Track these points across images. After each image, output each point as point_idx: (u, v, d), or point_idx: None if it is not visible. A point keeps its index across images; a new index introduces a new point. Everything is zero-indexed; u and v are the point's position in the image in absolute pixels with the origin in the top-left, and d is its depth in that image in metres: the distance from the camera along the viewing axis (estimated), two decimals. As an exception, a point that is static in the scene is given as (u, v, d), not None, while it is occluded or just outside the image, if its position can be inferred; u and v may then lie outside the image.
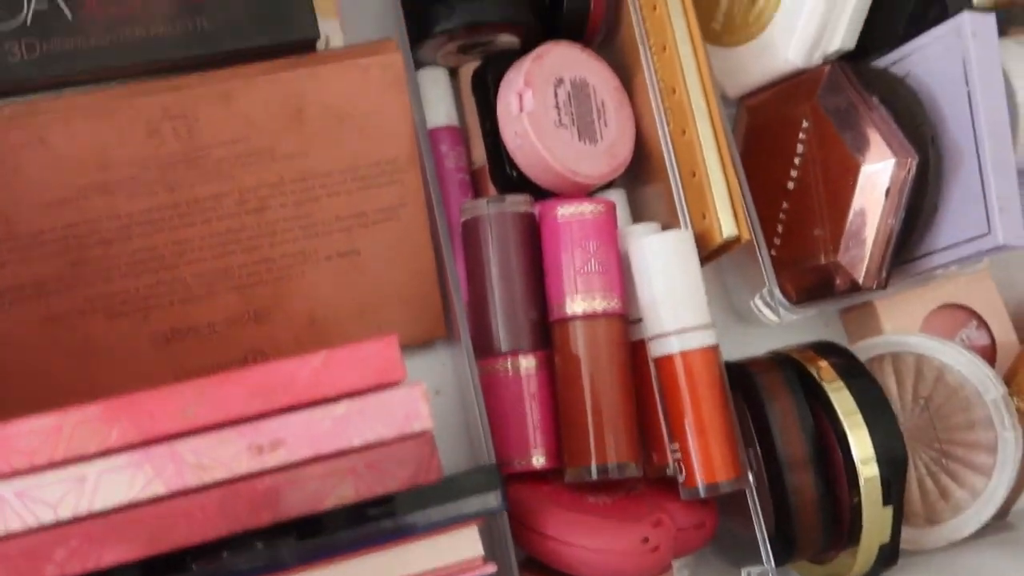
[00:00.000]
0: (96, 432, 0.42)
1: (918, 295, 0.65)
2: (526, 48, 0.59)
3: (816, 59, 0.60)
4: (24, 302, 0.53)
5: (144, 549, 0.41)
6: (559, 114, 0.57)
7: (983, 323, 0.66)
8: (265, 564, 0.43)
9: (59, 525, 0.41)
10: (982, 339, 0.66)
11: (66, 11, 0.54)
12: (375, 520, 0.45)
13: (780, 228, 0.61)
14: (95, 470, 0.41)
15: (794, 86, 0.61)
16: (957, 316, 0.66)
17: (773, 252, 0.61)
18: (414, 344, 0.60)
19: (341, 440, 0.44)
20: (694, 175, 0.57)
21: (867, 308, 0.65)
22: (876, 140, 0.57)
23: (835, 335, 0.68)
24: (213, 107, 0.54)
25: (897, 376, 0.62)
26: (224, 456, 0.42)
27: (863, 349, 0.63)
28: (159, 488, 0.41)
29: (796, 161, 0.60)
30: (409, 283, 0.59)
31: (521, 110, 0.56)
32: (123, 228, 0.54)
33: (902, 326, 0.64)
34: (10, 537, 0.40)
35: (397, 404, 0.45)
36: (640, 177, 0.61)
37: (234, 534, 0.42)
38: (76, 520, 0.41)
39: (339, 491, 0.43)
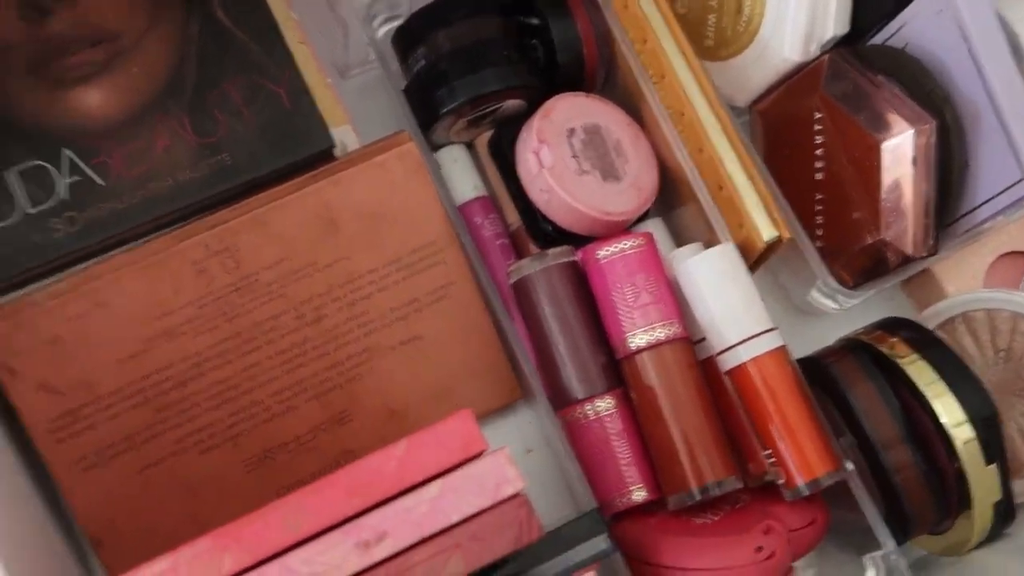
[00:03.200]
0: (210, 564, 0.43)
1: (973, 251, 0.65)
2: (533, 107, 0.60)
3: (814, 51, 0.61)
4: (120, 456, 0.56)
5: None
6: (578, 162, 0.58)
7: (1044, 263, 0.66)
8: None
9: (195, 658, 0.42)
10: (1047, 279, 0.66)
11: (97, 178, 0.57)
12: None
13: (820, 219, 0.62)
14: None
15: (799, 81, 0.62)
16: (1018, 263, 0.66)
17: (819, 243, 0.62)
18: (495, 411, 0.62)
19: (441, 519, 0.45)
20: (721, 188, 0.58)
21: (926, 275, 0.65)
22: (890, 115, 0.57)
23: (901, 308, 0.68)
24: (251, 234, 0.56)
25: (972, 335, 0.62)
26: (334, 558, 0.44)
27: (931, 316, 0.63)
28: None
29: (818, 152, 0.61)
30: (476, 355, 0.60)
31: (541, 167, 0.58)
32: (195, 366, 0.56)
33: (965, 285, 0.64)
34: None
35: (486, 473, 0.46)
36: (672, 202, 0.62)
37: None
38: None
39: (449, 568, 0.45)
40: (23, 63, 0.57)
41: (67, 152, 0.57)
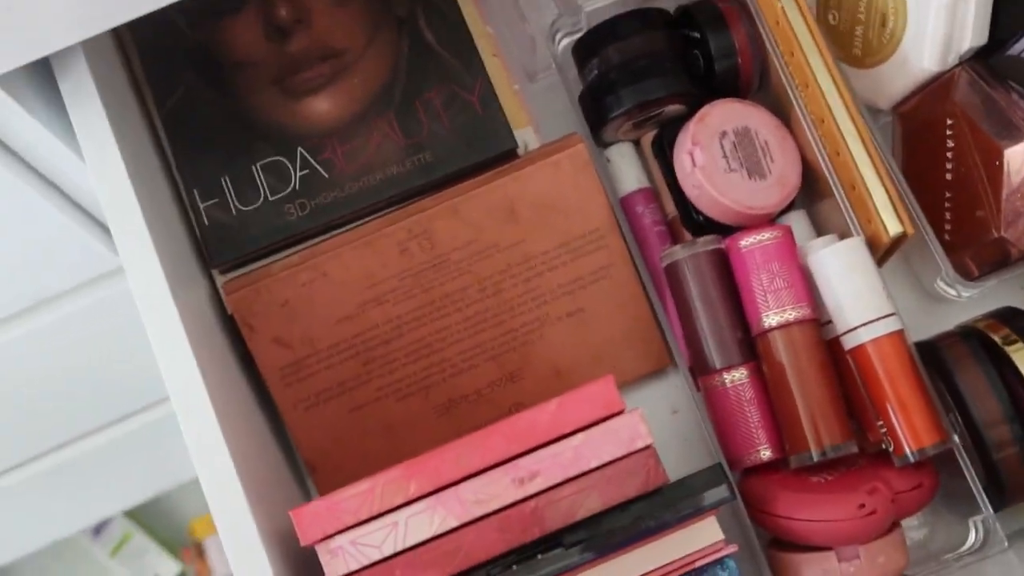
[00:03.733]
0: (400, 488, 0.55)
1: (1098, 247, 0.69)
2: (692, 111, 0.69)
3: (952, 60, 0.67)
4: (334, 400, 0.69)
5: (450, 568, 0.54)
6: (727, 162, 0.67)
7: None
8: (558, 568, 0.55)
9: (385, 560, 0.54)
10: None
11: (323, 172, 0.69)
12: (637, 522, 0.56)
13: (948, 215, 0.68)
14: (403, 516, 0.54)
15: (934, 89, 0.68)
16: None
17: (947, 237, 0.68)
18: (646, 375, 0.72)
19: (582, 463, 0.55)
20: (854, 188, 0.65)
21: (1052, 267, 0.71)
22: (1013, 124, 0.63)
23: (1034, 296, 0.73)
24: (445, 221, 0.68)
25: (1088, 325, 0.67)
26: (496, 490, 0.55)
27: (1053, 306, 0.69)
28: (452, 522, 0.54)
29: (949, 155, 0.67)
30: (631, 327, 0.70)
31: (694, 166, 0.66)
32: (396, 328, 0.68)
33: (1089, 277, 0.69)
34: (351, 574, 0.54)
35: (622, 429, 0.56)
36: (814, 197, 0.70)
37: (515, 549, 0.55)
38: (396, 555, 0.54)
39: (587, 504, 0.55)
40: (268, 77, 0.70)
41: (300, 150, 0.69)
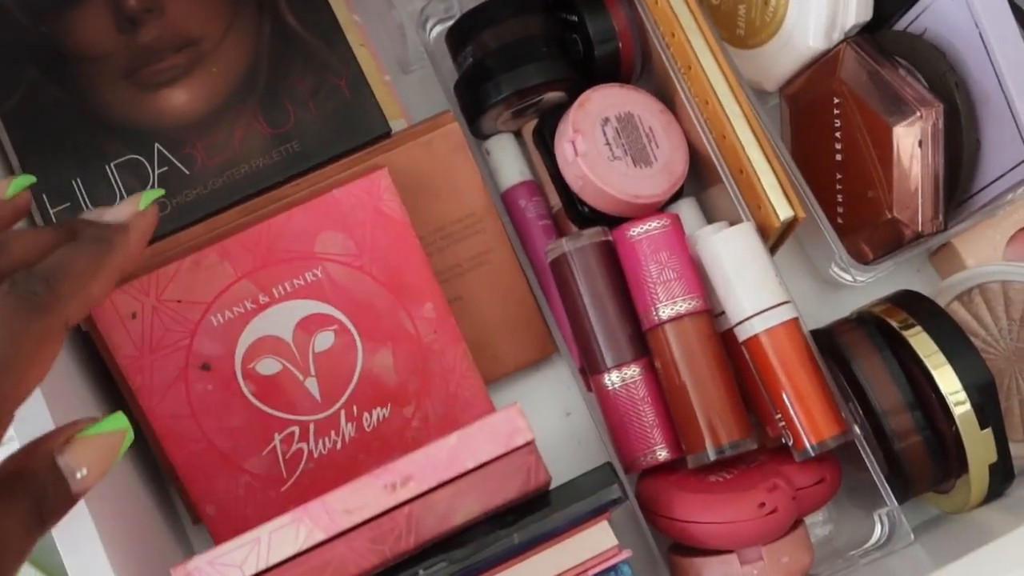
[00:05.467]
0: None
1: (992, 226, 0.68)
2: (573, 98, 0.66)
3: (836, 38, 0.65)
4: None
5: (319, 589, 0.50)
6: (611, 149, 0.63)
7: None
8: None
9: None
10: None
11: (183, 168, 0.64)
12: (516, 530, 0.52)
13: (840, 198, 0.66)
14: (266, 531, 0.50)
15: (820, 68, 0.66)
16: (1036, 237, 0.69)
17: (840, 220, 0.66)
18: (530, 363, 0.68)
19: (458, 465, 0.51)
20: (742, 172, 0.62)
21: (949, 248, 0.69)
22: (900, 99, 0.61)
23: (930, 279, 0.71)
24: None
25: (987, 304, 0.66)
26: (366, 498, 0.50)
27: (949, 287, 0.67)
28: (319, 536, 0.50)
29: (837, 135, 0.65)
30: (512, 314, 0.67)
31: (576, 154, 0.63)
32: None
33: (984, 258, 0.68)
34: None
35: (499, 424, 0.52)
36: (703, 183, 0.67)
37: (391, 563, 0.51)
38: (259, 575, 0.50)
39: (465, 508, 0.51)
40: (119, 70, 0.65)
41: (157, 146, 0.64)
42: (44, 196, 0.64)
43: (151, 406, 0.61)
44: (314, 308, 0.62)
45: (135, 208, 0.48)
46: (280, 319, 0.62)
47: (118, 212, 0.48)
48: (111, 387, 0.63)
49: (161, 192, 0.51)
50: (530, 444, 0.52)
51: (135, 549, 0.55)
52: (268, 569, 0.49)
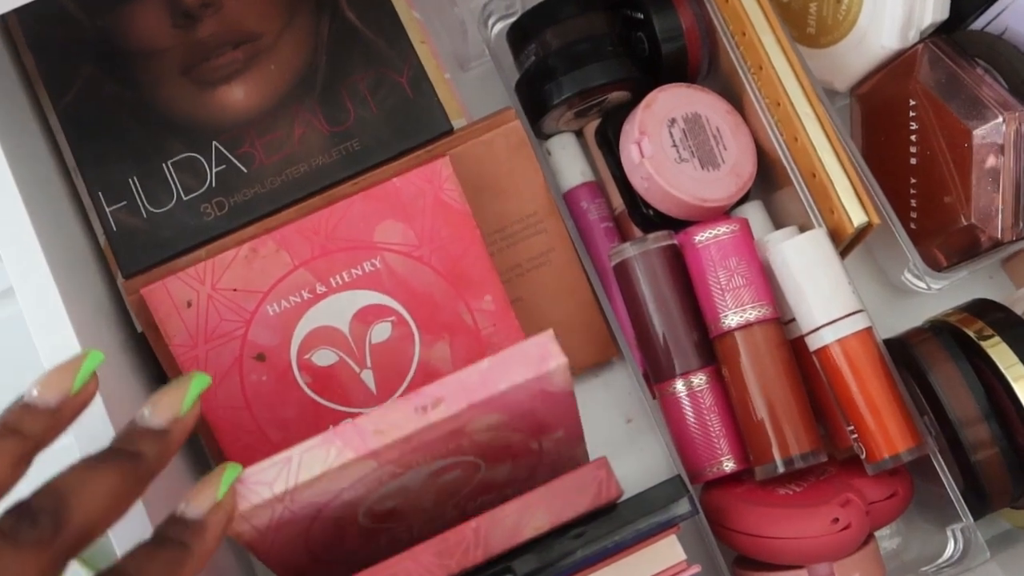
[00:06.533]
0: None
1: (1070, 233, 0.66)
2: (638, 98, 0.64)
3: (912, 37, 0.63)
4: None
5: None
6: (677, 151, 0.62)
7: None
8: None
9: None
10: None
11: (241, 166, 0.63)
12: (581, 544, 0.51)
13: (914, 203, 0.64)
14: (298, 451, 0.48)
15: (896, 68, 0.64)
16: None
17: (913, 226, 0.64)
18: (591, 365, 0.67)
19: (490, 387, 0.48)
20: (814, 176, 0.61)
21: (1022, 256, 0.67)
22: (981, 103, 0.59)
23: (1003, 287, 0.69)
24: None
25: (1064, 315, 0.64)
26: (396, 419, 0.48)
27: (1022, 297, 0.65)
28: (349, 455, 0.47)
29: (913, 138, 0.63)
30: (573, 316, 0.66)
31: (642, 156, 0.62)
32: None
33: (1062, 265, 0.66)
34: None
35: (531, 348, 0.48)
36: (771, 186, 0.65)
37: None
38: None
39: (534, 522, 0.50)
40: (176, 66, 0.64)
41: (215, 144, 0.63)
42: (100, 194, 0.62)
43: (204, 396, 0.60)
44: (372, 299, 0.61)
45: (214, 497, 0.46)
46: (337, 309, 0.61)
47: (199, 504, 0.46)
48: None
49: (208, 380, 0.48)
50: (601, 459, 0.50)
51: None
52: (295, 488, 0.48)
